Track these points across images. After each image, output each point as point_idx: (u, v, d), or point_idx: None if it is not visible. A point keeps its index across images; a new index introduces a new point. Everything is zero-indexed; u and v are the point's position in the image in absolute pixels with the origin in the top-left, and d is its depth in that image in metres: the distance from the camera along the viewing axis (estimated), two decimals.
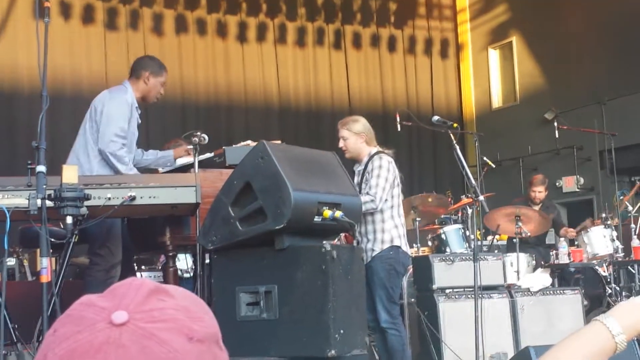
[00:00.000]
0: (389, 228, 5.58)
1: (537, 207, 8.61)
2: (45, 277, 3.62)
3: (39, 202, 3.68)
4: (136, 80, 5.20)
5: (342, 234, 5.81)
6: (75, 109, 8.57)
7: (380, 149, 5.73)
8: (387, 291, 5.48)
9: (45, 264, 3.63)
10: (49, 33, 4.04)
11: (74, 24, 10.61)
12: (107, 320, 0.85)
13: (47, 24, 4.06)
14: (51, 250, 3.78)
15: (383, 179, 5.51)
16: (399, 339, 5.50)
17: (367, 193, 5.45)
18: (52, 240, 3.78)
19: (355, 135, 5.65)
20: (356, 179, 5.66)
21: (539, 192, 8.91)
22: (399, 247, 5.61)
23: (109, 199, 4.16)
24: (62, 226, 4.74)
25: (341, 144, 5.71)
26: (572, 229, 8.69)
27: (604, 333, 1.27)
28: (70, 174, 3.84)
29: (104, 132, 5.00)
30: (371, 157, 5.62)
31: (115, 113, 5.04)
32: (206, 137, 4.98)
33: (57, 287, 3.93)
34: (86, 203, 3.89)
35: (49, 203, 3.71)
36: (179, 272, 6.70)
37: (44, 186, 3.72)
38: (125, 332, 0.84)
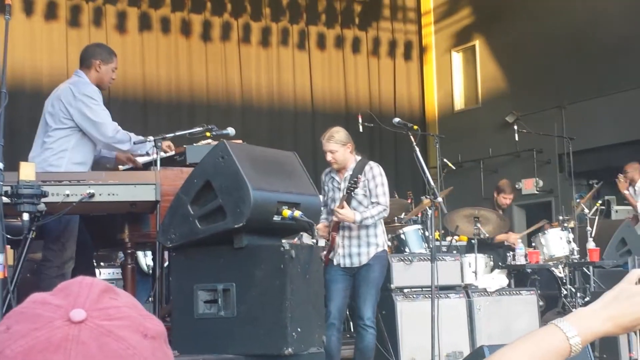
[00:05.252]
0: (380, 233, 5.76)
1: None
2: (1, 273, 3.60)
3: None
4: (87, 69, 5.19)
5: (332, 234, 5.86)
6: (34, 105, 8.49)
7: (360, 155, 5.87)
8: (378, 291, 5.61)
9: (1, 260, 3.61)
10: (9, 29, 4.02)
11: (36, 20, 10.53)
12: (64, 318, 0.86)
13: (7, 21, 4.03)
14: (9, 247, 3.76)
15: (386, 187, 5.72)
16: (374, 339, 5.67)
17: (378, 203, 5.60)
18: (9, 236, 3.76)
19: (343, 147, 5.70)
20: (342, 185, 5.72)
21: (510, 199, 8.96)
22: (386, 250, 5.83)
23: (68, 195, 4.14)
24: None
25: (329, 157, 5.70)
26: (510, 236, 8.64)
27: (558, 335, 1.27)
28: (27, 171, 3.82)
29: (101, 125, 5.00)
30: (361, 165, 5.71)
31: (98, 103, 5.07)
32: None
33: (13, 283, 3.91)
34: (44, 200, 3.86)
35: (5, 199, 3.69)
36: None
37: (1, 183, 3.69)
38: (84, 330, 0.85)
